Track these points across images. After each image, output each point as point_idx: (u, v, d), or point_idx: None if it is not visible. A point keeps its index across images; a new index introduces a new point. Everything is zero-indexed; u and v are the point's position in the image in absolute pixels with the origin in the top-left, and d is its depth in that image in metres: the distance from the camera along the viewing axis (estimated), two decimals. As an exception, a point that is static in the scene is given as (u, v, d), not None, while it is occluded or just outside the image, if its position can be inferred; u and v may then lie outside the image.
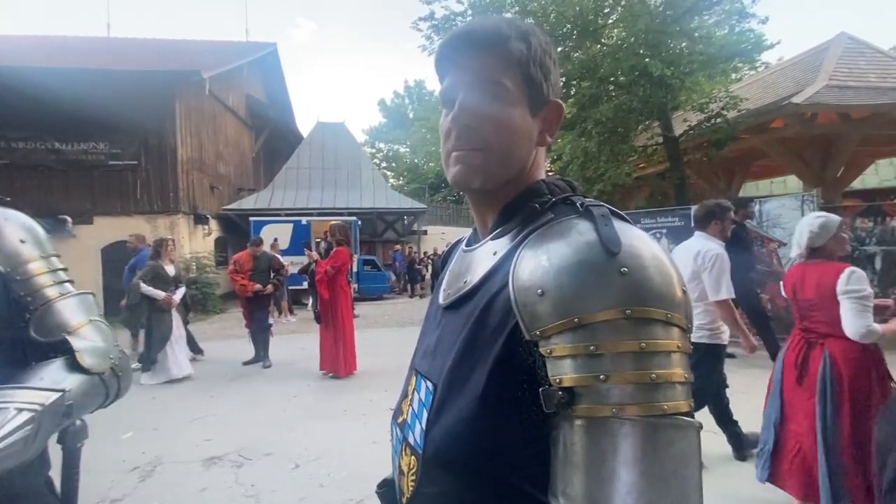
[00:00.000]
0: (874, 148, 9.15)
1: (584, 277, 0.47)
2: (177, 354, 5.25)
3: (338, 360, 5.20)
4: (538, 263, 0.50)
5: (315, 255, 6.83)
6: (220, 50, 15.27)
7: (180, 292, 5.41)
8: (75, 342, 0.84)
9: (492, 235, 0.62)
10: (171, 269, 5.37)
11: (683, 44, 8.50)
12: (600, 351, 0.45)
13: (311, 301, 10.91)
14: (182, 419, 4.04)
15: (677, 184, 8.87)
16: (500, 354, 0.51)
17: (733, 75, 15.88)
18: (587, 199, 0.58)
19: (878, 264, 7.03)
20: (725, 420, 3.16)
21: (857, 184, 12.08)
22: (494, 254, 0.60)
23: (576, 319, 0.46)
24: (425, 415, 0.59)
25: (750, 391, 4.46)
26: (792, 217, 5.72)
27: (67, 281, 0.94)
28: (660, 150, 9.02)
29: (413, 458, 0.59)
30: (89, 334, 0.89)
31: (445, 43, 0.62)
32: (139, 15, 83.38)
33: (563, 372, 0.46)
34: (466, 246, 0.70)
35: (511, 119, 0.58)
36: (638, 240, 0.50)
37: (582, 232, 0.51)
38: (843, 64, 8.18)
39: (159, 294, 5.13)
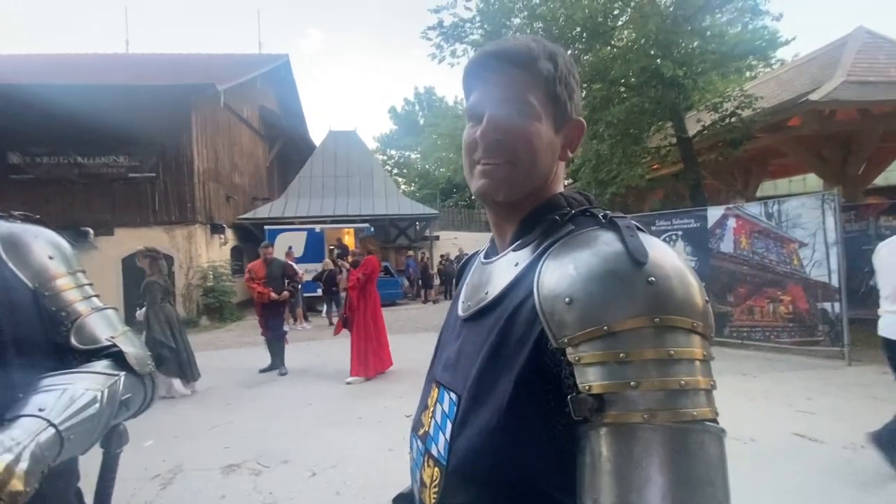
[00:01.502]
0: (897, 144, 8.90)
1: (612, 286, 0.48)
2: None
3: (367, 362, 5.41)
4: (565, 272, 0.51)
5: (345, 264, 7.04)
6: (234, 62, 15.58)
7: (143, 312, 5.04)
8: (122, 346, 0.88)
9: (512, 247, 0.63)
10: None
11: (695, 43, 8.39)
12: (630, 358, 0.46)
13: (325, 308, 11.04)
14: (201, 427, 4.09)
15: (692, 185, 8.74)
16: (525, 364, 0.51)
17: (748, 73, 15.64)
18: (609, 212, 0.59)
19: (904, 263, 6.82)
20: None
21: (881, 180, 11.74)
22: (516, 265, 0.60)
23: (605, 327, 0.47)
24: (449, 426, 0.59)
25: (771, 397, 4.35)
26: (812, 217, 5.59)
27: (94, 296, 0.97)
28: (673, 151, 8.91)
29: (436, 469, 0.60)
30: (127, 343, 0.92)
31: (475, 60, 0.64)
32: (156, 30, 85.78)
33: (593, 379, 0.47)
34: (485, 258, 0.70)
35: (536, 134, 0.60)
36: (662, 251, 0.51)
37: (608, 242, 0.52)
38: (861, 59, 8.00)
39: None
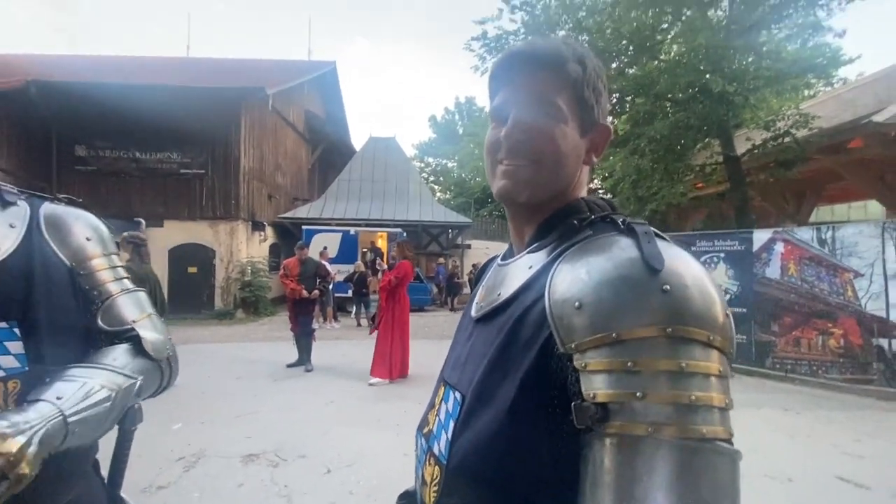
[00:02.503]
0: (973, 172, 8.18)
1: (624, 293, 0.46)
2: None
3: (390, 364, 5.48)
4: (577, 276, 0.50)
5: (383, 264, 7.24)
6: (284, 68, 16.25)
7: None
8: (142, 331, 0.93)
9: (528, 249, 0.63)
10: None
11: (749, 59, 8.06)
12: (638, 368, 0.44)
13: (354, 309, 11.22)
14: (227, 415, 4.23)
15: (738, 205, 8.34)
16: (531, 367, 0.50)
17: (806, 91, 14.86)
18: (629, 218, 0.57)
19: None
20: None
21: (953, 211, 10.83)
22: (530, 268, 0.60)
23: (614, 334, 0.45)
24: (452, 425, 0.59)
25: (815, 436, 4.06)
26: (870, 246, 5.21)
27: (126, 277, 1.02)
28: (719, 170, 8.55)
29: (437, 468, 0.59)
30: (149, 327, 0.97)
31: (502, 60, 0.63)
32: (216, 37, 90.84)
33: (598, 387, 0.45)
34: (502, 260, 0.70)
35: (562, 136, 0.59)
36: (681, 259, 0.49)
37: (624, 247, 0.50)
38: (934, 79, 7.45)
39: None
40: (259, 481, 2.98)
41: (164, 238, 11.86)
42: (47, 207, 0.94)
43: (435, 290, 14.97)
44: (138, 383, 0.86)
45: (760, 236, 6.27)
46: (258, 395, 4.94)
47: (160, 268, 11.67)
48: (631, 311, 0.45)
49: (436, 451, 0.61)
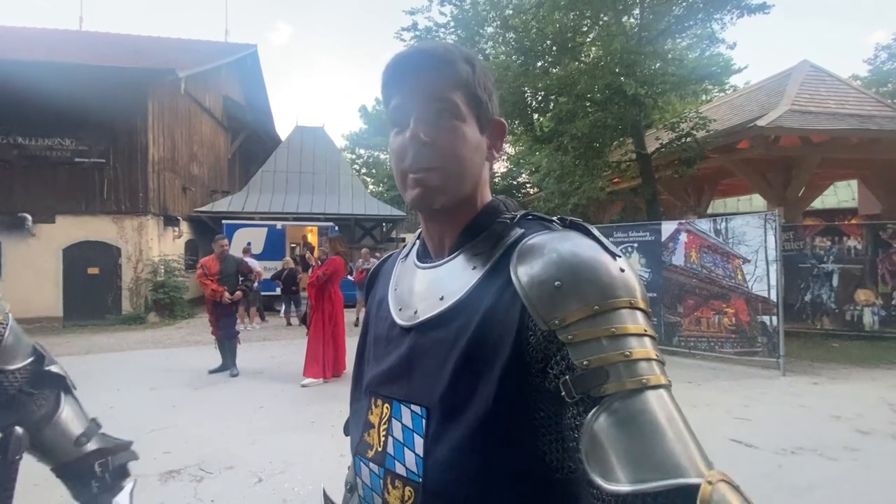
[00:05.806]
0: (833, 170, 9.64)
1: (598, 273, 0.53)
2: None
3: (323, 363, 5.33)
4: (549, 260, 0.54)
5: (313, 259, 6.91)
6: (198, 49, 14.96)
7: None
8: None
9: (462, 251, 0.62)
10: None
11: (657, 65, 8.79)
12: (620, 332, 0.50)
13: (283, 308, 10.73)
14: (140, 430, 3.85)
15: (649, 199, 9.11)
16: (507, 361, 0.52)
17: (703, 97, 16.52)
18: (565, 217, 0.63)
19: (835, 281, 7.37)
20: None
21: (818, 204, 12.68)
22: (474, 268, 0.60)
23: (596, 307, 0.50)
24: (418, 441, 0.57)
25: (713, 404, 4.56)
26: (755, 235, 5.94)
27: None
28: (633, 166, 9.27)
29: (409, 489, 0.56)
30: None
31: (394, 65, 0.61)
32: (115, 10, 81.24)
33: (590, 354, 0.49)
34: (421, 262, 0.68)
35: (465, 135, 0.60)
36: (616, 248, 0.58)
37: (584, 237, 0.57)
38: (804, 90, 8.62)
39: None
40: (181, 499, 2.78)
41: (58, 235, 10.50)
42: None
43: (369, 284, 14.71)
44: None
45: (668, 227, 6.90)
46: (177, 405, 4.58)
47: (52, 269, 10.36)
48: (606, 288, 0.52)
49: (401, 471, 0.58)
